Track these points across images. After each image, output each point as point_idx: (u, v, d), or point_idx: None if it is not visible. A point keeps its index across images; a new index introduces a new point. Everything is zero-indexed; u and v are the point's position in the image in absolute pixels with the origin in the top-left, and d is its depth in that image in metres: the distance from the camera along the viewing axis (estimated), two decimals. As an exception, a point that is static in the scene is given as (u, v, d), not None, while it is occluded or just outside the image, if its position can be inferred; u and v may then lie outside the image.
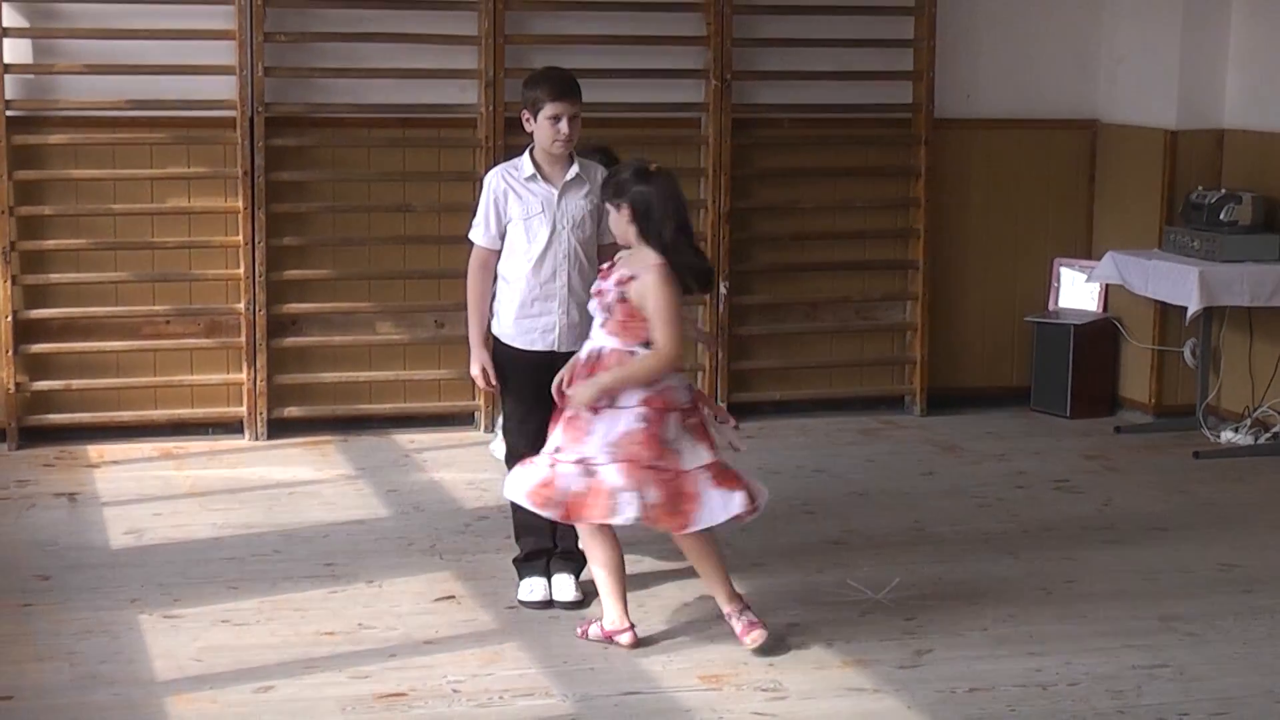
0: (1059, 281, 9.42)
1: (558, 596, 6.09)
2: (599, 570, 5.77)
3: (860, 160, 9.15)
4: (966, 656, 5.67)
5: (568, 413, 5.70)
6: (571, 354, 5.93)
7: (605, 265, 5.90)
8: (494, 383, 6.09)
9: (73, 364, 8.28)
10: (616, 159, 6.54)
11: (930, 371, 9.25)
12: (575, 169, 6.05)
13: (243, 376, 8.39)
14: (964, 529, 7.14)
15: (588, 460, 5.60)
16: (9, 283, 8.07)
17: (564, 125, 5.95)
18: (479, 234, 6.09)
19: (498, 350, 6.12)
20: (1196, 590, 6.40)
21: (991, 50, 9.27)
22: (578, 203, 6.04)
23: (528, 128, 6.05)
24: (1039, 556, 6.76)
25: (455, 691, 5.30)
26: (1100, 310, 9.31)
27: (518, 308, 6.04)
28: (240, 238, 8.31)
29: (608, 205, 5.82)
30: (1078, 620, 6.04)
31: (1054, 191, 9.45)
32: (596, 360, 5.70)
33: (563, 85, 6.01)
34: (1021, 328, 9.41)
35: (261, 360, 8.37)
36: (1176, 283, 8.39)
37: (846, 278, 9.16)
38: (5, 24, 7.93)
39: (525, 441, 6.04)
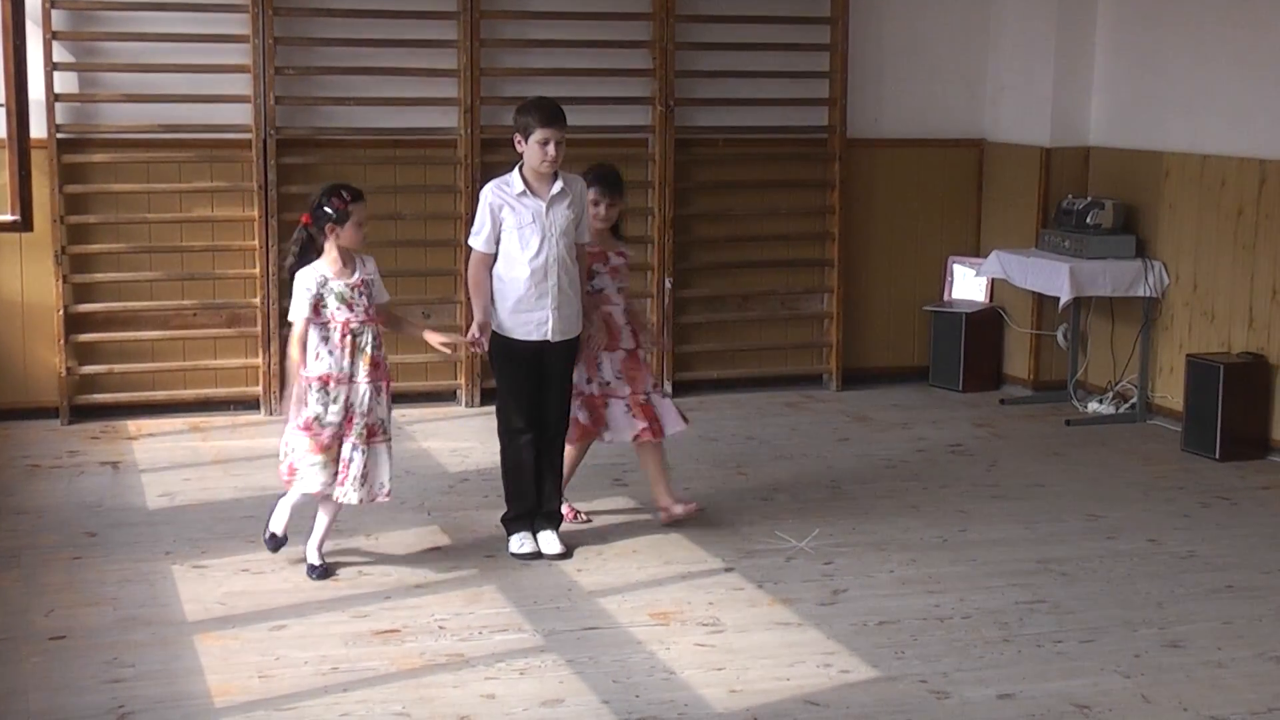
0: (952, 276, 9.44)
1: (546, 550, 6.04)
2: None
3: (784, 174, 9.14)
4: (876, 595, 5.68)
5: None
6: (560, 343, 5.96)
7: (594, 249, 6.18)
8: (485, 347, 5.94)
9: (114, 351, 8.22)
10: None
11: (844, 353, 9.25)
12: (560, 184, 5.95)
13: (259, 361, 8.35)
14: (873, 487, 7.15)
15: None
16: (60, 281, 8.00)
17: (551, 149, 5.87)
18: (479, 241, 5.96)
19: (496, 342, 6.00)
20: (1068, 537, 6.43)
21: (895, 81, 9.27)
22: (563, 213, 5.95)
23: (519, 149, 5.94)
24: (936, 510, 6.78)
25: (441, 628, 5.29)
26: (987, 300, 9.33)
27: (515, 304, 5.93)
28: (256, 242, 8.25)
29: (615, 198, 6.27)
30: (969, 563, 6.06)
31: (947, 200, 9.46)
32: (630, 314, 6.34)
33: (551, 114, 5.91)
34: (921, 315, 9.42)
35: (274, 347, 8.30)
36: (1050, 277, 8.42)
37: (773, 274, 9.15)
38: (55, 59, 7.85)
39: (521, 419, 6.01)
